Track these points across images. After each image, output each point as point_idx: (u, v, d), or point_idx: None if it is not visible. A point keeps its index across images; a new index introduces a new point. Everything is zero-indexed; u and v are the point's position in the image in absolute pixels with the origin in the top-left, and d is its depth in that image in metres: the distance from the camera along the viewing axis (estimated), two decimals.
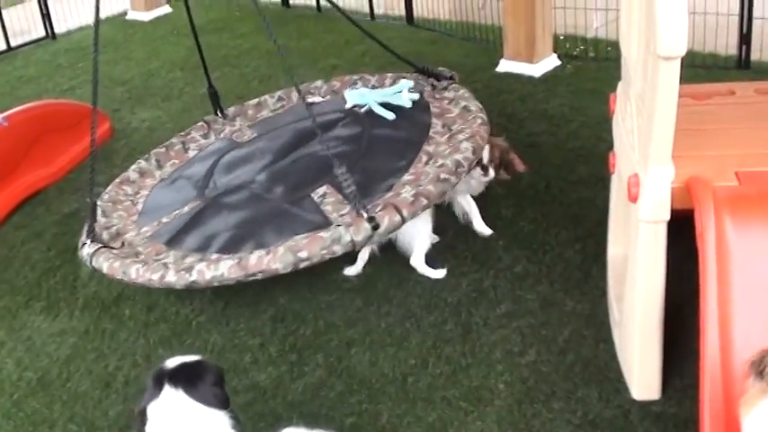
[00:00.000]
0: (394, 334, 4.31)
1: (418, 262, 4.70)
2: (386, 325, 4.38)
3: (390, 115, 5.20)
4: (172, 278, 4.17)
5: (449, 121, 5.10)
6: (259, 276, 4.08)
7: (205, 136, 5.98)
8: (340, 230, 4.08)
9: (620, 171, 4.01)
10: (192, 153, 5.78)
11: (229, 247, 4.38)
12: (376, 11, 9.22)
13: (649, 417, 3.65)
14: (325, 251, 4.04)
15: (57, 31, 10.04)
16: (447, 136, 4.92)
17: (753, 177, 3.44)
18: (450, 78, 5.53)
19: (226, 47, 8.82)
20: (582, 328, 4.22)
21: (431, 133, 5.03)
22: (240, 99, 7.23)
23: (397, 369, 4.09)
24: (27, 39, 9.95)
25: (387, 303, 4.51)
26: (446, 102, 5.36)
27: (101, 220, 5.01)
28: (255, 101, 6.26)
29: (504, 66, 7.34)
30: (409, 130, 5.09)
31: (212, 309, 4.66)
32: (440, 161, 4.59)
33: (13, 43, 9.71)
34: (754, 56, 6.82)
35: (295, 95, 6.01)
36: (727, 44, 6.86)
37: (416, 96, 5.39)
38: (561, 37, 7.67)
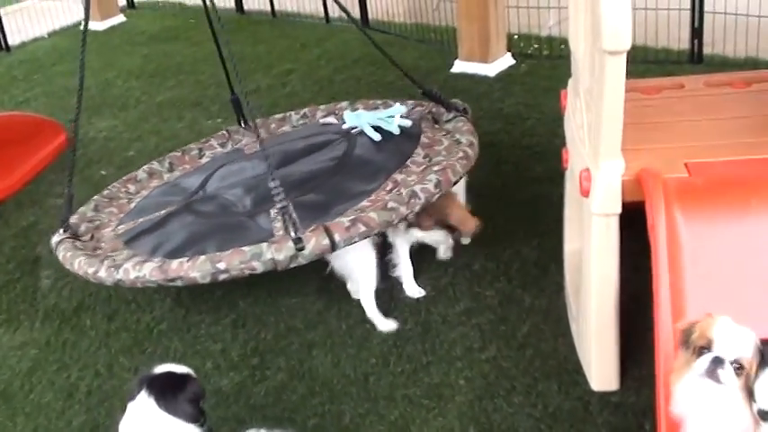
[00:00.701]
0: (355, 335, 4.34)
1: (367, 302, 4.42)
2: (346, 326, 4.40)
3: (377, 136, 5.03)
4: (102, 274, 4.20)
5: (434, 152, 4.88)
6: (179, 283, 4.05)
7: (223, 145, 5.84)
8: (262, 247, 3.98)
9: (572, 166, 4.06)
10: (205, 160, 5.71)
11: (173, 253, 4.36)
12: (330, 14, 9.23)
13: (608, 407, 3.69)
14: (243, 266, 3.95)
15: (11, 43, 9.97)
16: (423, 167, 4.72)
17: (702, 168, 3.50)
18: (464, 111, 5.25)
19: (181, 54, 8.81)
20: (540, 323, 4.26)
21: (408, 162, 4.84)
22: (197, 106, 7.26)
23: (359, 369, 4.11)
24: None
25: (347, 305, 4.52)
26: (442, 133, 5.13)
27: (89, 213, 5.09)
28: (281, 115, 6.01)
29: (459, 66, 7.39)
30: (390, 157, 4.91)
31: (173, 316, 4.66)
32: (402, 190, 4.40)
33: None
34: (707, 50, 6.91)
35: (319, 113, 5.87)
36: (679, 39, 6.96)
37: (408, 123, 5.18)
38: (515, 36, 7.74)
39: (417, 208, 4.20)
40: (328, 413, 3.88)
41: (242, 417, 3.91)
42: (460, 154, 4.65)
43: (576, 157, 3.87)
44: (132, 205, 5.25)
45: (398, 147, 5.01)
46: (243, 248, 4.02)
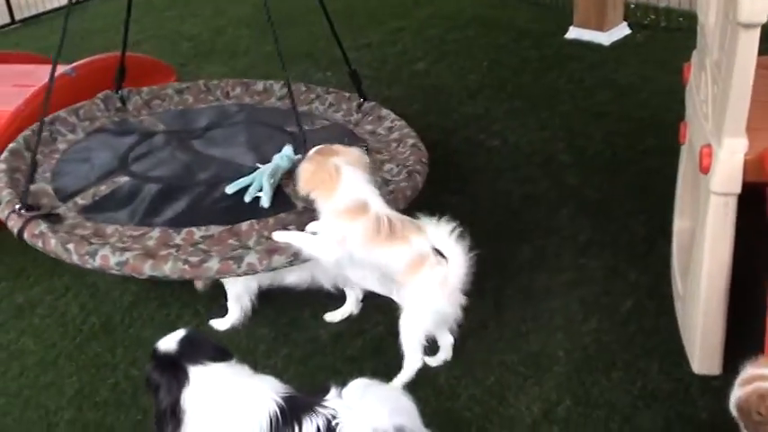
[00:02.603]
0: None
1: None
2: None
3: (230, 189, 4.41)
4: None
5: (225, 238, 4.12)
6: None
7: (328, 105, 5.43)
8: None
9: (691, 141, 3.95)
10: (305, 107, 5.39)
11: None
12: None
13: (709, 391, 3.62)
14: None
15: None
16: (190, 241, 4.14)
17: None
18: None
19: (292, 5, 8.78)
20: (644, 299, 4.19)
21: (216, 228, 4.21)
22: (308, 57, 7.25)
23: (456, 331, 4.07)
24: None
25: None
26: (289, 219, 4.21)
27: (168, 91, 5.64)
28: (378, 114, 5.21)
29: (574, 33, 7.25)
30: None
31: None
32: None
33: None
34: None
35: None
36: None
37: (264, 203, 4.28)
38: (632, 5, 7.55)
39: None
40: (423, 372, 3.86)
41: (338, 367, 3.92)
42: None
43: (697, 132, 3.76)
44: (201, 106, 5.47)
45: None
46: None
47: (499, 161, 5.43)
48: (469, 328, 4.07)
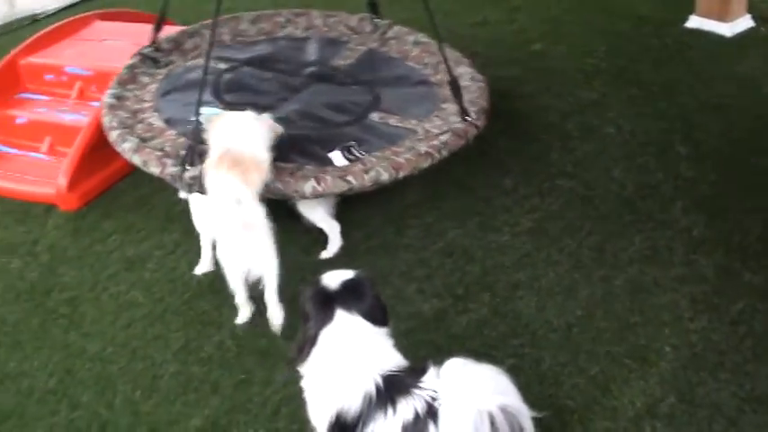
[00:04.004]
0: (562, 283, 4.28)
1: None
2: (554, 273, 4.34)
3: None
4: None
5: None
6: None
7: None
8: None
9: None
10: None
11: None
12: None
13: None
14: None
15: None
16: None
17: None
18: None
19: None
20: (757, 301, 4.10)
21: None
22: (423, 31, 7.19)
23: (563, 318, 4.06)
24: None
25: (557, 252, 4.47)
26: None
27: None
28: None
29: (695, 22, 7.07)
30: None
31: (383, 236, 4.68)
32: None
33: None
34: None
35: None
36: None
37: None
38: None
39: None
40: (527, 356, 3.86)
41: (440, 344, 3.93)
42: None
43: None
44: (395, 56, 5.81)
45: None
46: None
47: (613, 149, 5.35)
48: (576, 316, 4.07)
